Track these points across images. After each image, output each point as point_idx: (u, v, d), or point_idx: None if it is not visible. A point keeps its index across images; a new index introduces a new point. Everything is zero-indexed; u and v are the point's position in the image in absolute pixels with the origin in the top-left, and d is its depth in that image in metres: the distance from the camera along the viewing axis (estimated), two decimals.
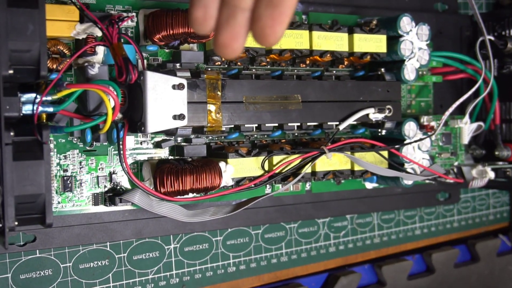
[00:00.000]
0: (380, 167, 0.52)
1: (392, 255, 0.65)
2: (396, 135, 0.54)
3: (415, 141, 0.53)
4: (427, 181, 0.56)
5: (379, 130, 0.54)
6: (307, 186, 0.54)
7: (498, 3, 0.70)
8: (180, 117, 0.42)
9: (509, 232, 0.74)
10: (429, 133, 0.55)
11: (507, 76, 0.62)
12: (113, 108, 0.39)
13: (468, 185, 0.61)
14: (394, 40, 0.53)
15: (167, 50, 0.47)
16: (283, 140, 0.52)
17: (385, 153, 0.53)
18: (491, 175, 0.59)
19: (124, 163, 0.41)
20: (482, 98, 0.60)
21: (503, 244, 0.73)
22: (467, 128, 0.60)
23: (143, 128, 0.40)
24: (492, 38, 0.60)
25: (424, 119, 0.57)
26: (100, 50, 0.43)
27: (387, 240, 0.64)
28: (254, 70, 0.50)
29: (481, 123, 0.61)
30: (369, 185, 0.57)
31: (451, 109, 0.56)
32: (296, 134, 0.52)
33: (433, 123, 0.56)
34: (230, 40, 0.29)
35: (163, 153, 0.47)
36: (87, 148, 0.44)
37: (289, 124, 0.49)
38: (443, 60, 0.59)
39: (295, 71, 0.52)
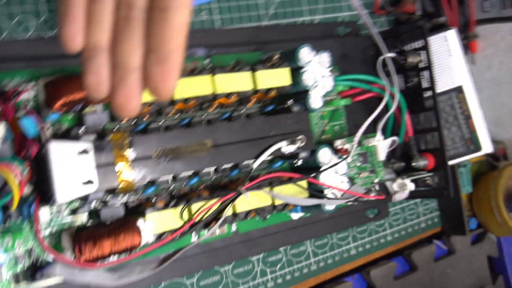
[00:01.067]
0: (299, 198, 0.55)
1: (332, 279, 0.68)
2: (312, 163, 0.58)
3: (331, 167, 0.57)
4: (349, 203, 0.60)
5: (295, 161, 0.57)
6: (233, 227, 0.56)
7: (397, 20, 0.75)
8: (89, 182, 0.44)
9: (442, 236, 0.79)
10: (344, 156, 0.59)
11: (412, 89, 0.67)
12: (19, 185, 0.41)
13: (391, 199, 0.66)
14: (297, 72, 0.57)
15: (70, 117, 0.49)
16: (202, 186, 0.54)
17: (304, 183, 0.57)
18: (411, 186, 0.64)
19: (38, 238, 0.42)
20: (392, 114, 0.64)
21: (438, 249, 0.78)
22: (382, 145, 0.64)
23: (52, 200, 0.42)
24: (393, 55, 0.65)
25: (338, 143, 0.61)
26: (1, 126, 0.44)
27: (323, 265, 0.67)
28: (163, 121, 0.52)
29: (395, 138, 0.65)
30: (295, 216, 0.60)
31: (362, 129, 0.60)
32: (213, 178, 0.55)
33: (347, 146, 0.60)
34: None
35: (81, 219, 0.48)
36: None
37: (204, 170, 0.51)
38: (349, 83, 0.63)
39: (204, 116, 0.54)
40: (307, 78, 0.56)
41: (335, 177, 0.58)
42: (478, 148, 0.70)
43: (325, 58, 0.58)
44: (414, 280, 0.73)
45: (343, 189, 0.58)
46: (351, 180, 0.62)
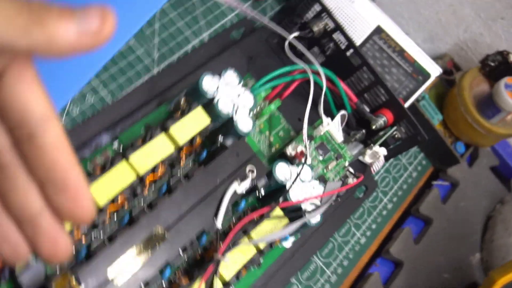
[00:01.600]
0: (281, 229, 0.50)
1: (357, 278, 0.64)
2: (276, 185, 0.53)
3: (294, 181, 0.52)
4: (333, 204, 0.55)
5: (257, 193, 0.53)
6: None
7: None
8: None
9: (439, 174, 0.75)
10: (302, 161, 0.55)
11: (334, 56, 0.63)
12: None
13: (370, 171, 0.62)
14: (210, 105, 0.52)
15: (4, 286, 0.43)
16: (178, 274, 0.49)
17: (278, 210, 0.52)
18: (382, 151, 0.60)
19: None
20: (326, 90, 0.60)
21: (442, 189, 0.74)
22: (333, 126, 0.60)
23: None
24: (296, 34, 0.61)
25: (290, 149, 0.56)
26: None
27: (342, 270, 0.63)
28: (101, 233, 0.47)
29: (342, 112, 0.61)
30: (287, 244, 0.56)
31: (305, 123, 0.56)
32: (186, 258, 0.50)
33: (300, 148, 0.56)
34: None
35: None
36: None
37: (170, 259, 0.46)
38: (268, 85, 0.59)
39: (141, 202, 0.49)
40: (224, 107, 0.52)
41: (305, 186, 0.54)
42: (426, 75, 0.66)
43: (230, 76, 0.54)
44: (434, 232, 0.69)
45: (319, 195, 0.53)
46: (323, 179, 0.57)
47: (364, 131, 0.64)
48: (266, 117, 0.60)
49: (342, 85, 0.62)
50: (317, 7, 0.62)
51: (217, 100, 0.52)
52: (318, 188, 0.55)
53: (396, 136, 0.62)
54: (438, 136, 0.71)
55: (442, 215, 0.70)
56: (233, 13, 0.68)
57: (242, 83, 0.54)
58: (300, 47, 0.60)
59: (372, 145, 0.60)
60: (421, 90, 0.67)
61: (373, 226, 0.68)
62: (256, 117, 0.60)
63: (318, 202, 0.54)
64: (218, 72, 0.53)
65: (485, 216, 0.74)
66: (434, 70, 0.66)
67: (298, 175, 0.53)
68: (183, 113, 0.51)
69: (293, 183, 0.53)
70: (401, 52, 0.66)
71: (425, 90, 0.67)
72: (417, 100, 0.71)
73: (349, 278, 0.64)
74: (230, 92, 0.53)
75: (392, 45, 0.66)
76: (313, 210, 0.53)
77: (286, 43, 0.60)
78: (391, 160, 0.72)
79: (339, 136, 0.60)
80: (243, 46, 0.63)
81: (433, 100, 0.74)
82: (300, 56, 0.61)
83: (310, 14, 0.63)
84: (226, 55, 0.61)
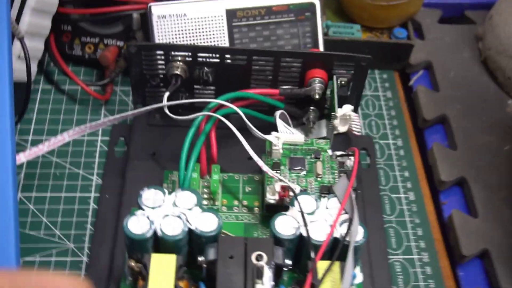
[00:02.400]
0: (343, 278, 0.40)
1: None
2: (294, 243, 0.42)
3: (305, 223, 0.41)
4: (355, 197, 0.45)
5: (285, 269, 0.42)
6: None
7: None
8: None
9: (405, 71, 0.65)
10: (291, 195, 0.44)
11: (220, 76, 0.53)
12: None
13: (355, 135, 0.52)
14: (159, 242, 0.41)
15: None
16: None
17: (322, 263, 0.41)
18: (348, 108, 0.50)
19: None
20: (244, 111, 0.50)
21: (423, 81, 0.64)
22: (283, 132, 0.50)
23: None
24: (166, 94, 0.50)
25: (269, 197, 0.46)
26: None
27: (422, 237, 0.52)
28: None
29: (277, 112, 0.51)
30: (359, 278, 0.45)
31: (258, 159, 0.46)
32: None
33: (277, 186, 0.45)
34: None
35: None
36: None
37: None
38: (191, 163, 0.48)
39: None
40: (171, 230, 0.41)
41: (318, 214, 0.43)
42: (310, 6, 0.57)
43: (149, 195, 0.43)
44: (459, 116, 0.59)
45: (339, 209, 0.43)
46: (325, 189, 0.47)
47: (312, 107, 0.54)
48: (219, 190, 0.50)
49: (252, 92, 0.51)
50: (159, 56, 0.51)
51: (160, 231, 0.41)
52: (332, 203, 0.44)
53: (343, 82, 0.52)
54: (373, 43, 0.62)
55: (448, 95, 0.61)
56: (102, 137, 0.57)
57: (166, 191, 0.43)
58: (180, 101, 0.50)
59: (333, 113, 0.50)
60: (319, 24, 0.57)
61: (406, 174, 0.57)
62: (213, 200, 0.49)
63: (345, 216, 0.43)
64: (133, 203, 0.42)
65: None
66: None
67: (302, 212, 0.42)
68: (145, 276, 0.40)
69: (306, 225, 0.42)
70: (268, 10, 0.56)
71: (323, 19, 0.58)
72: (326, 34, 0.61)
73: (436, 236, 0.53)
74: (163, 212, 0.42)
75: (254, 13, 0.56)
76: (349, 229, 0.42)
77: (166, 111, 0.49)
78: (361, 103, 0.62)
79: (298, 137, 0.50)
80: (135, 154, 0.53)
81: (336, 19, 0.65)
82: (192, 108, 0.51)
83: (159, 65, 0.52)
84: (128, 177, 0.51)
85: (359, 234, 0.42)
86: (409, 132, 0.61)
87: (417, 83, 0.64)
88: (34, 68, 0.55)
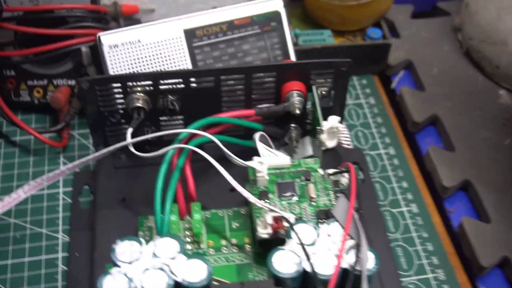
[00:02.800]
0: None
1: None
2: (297, 281, 0.37)
3: (307, 256, 0.36)
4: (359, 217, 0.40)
5: None
6: None
7: None
8: None
9: (385, 74, 0.61)
10: (286, 226, 0.39)
11: (187, 102, 0.48)
12: None
13: (345, 149, 0.47)
14: None
15: None
16: None
17: None
18: (334, 120, 0.45)
19: None
20: (219, 138, 0.45)
21: (405, 81, 0.60)
22: (266, 156, 0.45)
23: None
24: (130, 131, 0.45)
25: (261, 231, 0.41)
26: None
27: (432, 250, 0.48)
28: None
29: (256, 135, 0.46)
30: None
31: (243, 191, 0.40)
32: None
33: (268, 218, 0.40)
34: None
35: None
36: None
37: None
38: (168, 204, 0.42)
39: None
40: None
41: (321, 243, 0.38)
42: (275, 15, 0.53)
43: (124, 249, 0.37)
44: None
45: (343, 235, 0.38)
46: (323, 214, 0.42)
47: (293, 125, 0.49)
48: (203, 231, 0.44)
49: (226, 115, 0.47)
50: (116, 89, 0.46)
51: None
52: (333, 230, 0.39)
53: (324, 92, 0.47)
54: (347, 47, 0.58)
55: (435, 94, 0.57)
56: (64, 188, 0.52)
57: (143, 241, 0.38)
58: (146, 136, 0.45)
59: (318, 127, 0.45)
60: (288, 33, 0.53)
61: (404, 184, 0.53)
62: (197, 243, 0.44)
63: (352, 242, 0.38)
64: (107, 259, 0.37)
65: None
66: (275, 4, 0.53)
67: (302, 244, 0.37)
68: None
69: (308, 259, 0.37)
70: (230, 25, 0.52)
71: (290, 28, 0.53)
72: (295, 43, 0.57)
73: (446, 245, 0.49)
74: (142, 266, 0.37)
75: (215, 30, 0.51)
76: (358, 257, 0.37)
77: (132, 149, 0.44)
78: (350, 112, 0.58)
79: (283, 159, 0.45)
80: (102, 202, 0.47)
81: (304, 26, 0.61)
82: (161, 142, 0.46)
83: (117, 100, 0.47)
84: (98, 230, 0.45)
85: (369, 260, 0.37)
86: (400, 139, 0.57)
87: (400, 84, 0.60)
88: None
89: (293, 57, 0.53)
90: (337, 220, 0.39)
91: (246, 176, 0.46)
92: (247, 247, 0.44)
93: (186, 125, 0.49)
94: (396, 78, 0.61)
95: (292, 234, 0.38)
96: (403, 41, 0.62)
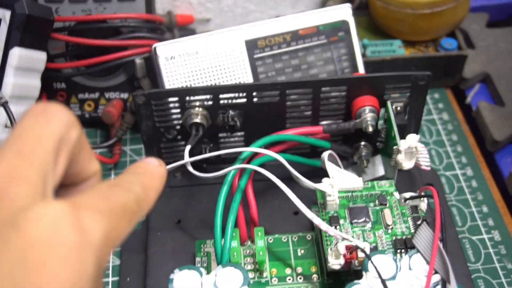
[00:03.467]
0: None
1: None
2: None
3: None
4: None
5: None
6: None
7: None
8: None
9: (459, 88, 0.57)
10: (360, 255, 0.35)
11: (249, 118, 0.45)
12: None
13: (424, 168, 0.43)
14: None
15: None
16: None
17: None
18: (413, 139, 0.41)
19: None
20: (285, 157, 0.42)
21: (481, 95, 0.56)
22: (336, 178, 0.41)
23: None
24: (188, 147, 0.42)
25: (332, 261, 0.37)
26: None
27: None
28: None
29: (324, 154, 0.42)
30: None
31: (310, 214, 0.37)
32: None
33: (341, 246, 0.37)
34: None
35: None
36: None
37: None
38: (229, 230, 0.39)
39: None
40: None
41: (403, 278, 0.34)
42: (343, 25, 0.49)
43: (185, 278, 0.35)
44: None
45: (429, 269, 0.34)
46: (401, 243, 0.38)
47: (363, 143, 0.46)
48: (265, 258, 0.41)
49: (291, 133, 0.44)
50: (172, 104, 0.44)
51: None
52: (416, 262, 0.35)
53: (399, 108, 0.44)
54: (419, 59, 0.54)
55: None
56: None
57: (203, 271, 0.35)
58: (205, 155, 0.42)
59: (395, 147, 0.42)
60: (356, 44, 0.50)
61: (484, 209, 0.49)
62: (260, 272, 0.41)
63: (437, 277, 0.35)
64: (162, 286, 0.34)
65: None
66: (343, 12, 0.49)
67: (381, 279, 0.34)
68: None
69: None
70: (295, 35, 0.49)
71: (359, 38, 0.50)
72: (364, 54, 0.54)
73: None
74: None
75: (278, 41, 0.48)
76: None
77: (190, 168, 0.41)
78: (425, 130, 0.54)
79: (355, 181, 0.41)
80: (156, 224, 0.45)
81: (372, 36, 0.57)
82: (219, 161, 0.43)
83: (174, 115, 0.44)
84: (151, 254, 0.43)
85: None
86: (477, 158, 0.53)
87: (476, 99, 0.56)
88: None
89: (362, 70, 0.49)
90: (419, 252, 0.36)
91: (311, 199, 0.43)
92: (314, 277, 0.41)
93: (246, 142, 0.46)
94: (472, 92, 0.57)
95: (370, 266, 0.35)
96: (479, 52, 0.58)
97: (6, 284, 0.18)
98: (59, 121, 0.23)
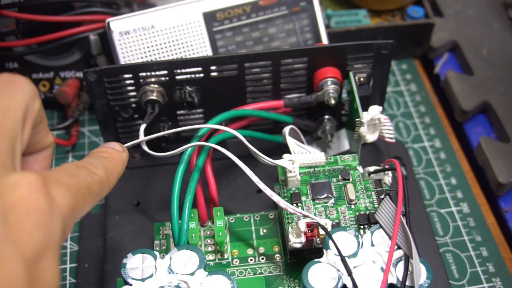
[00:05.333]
0: None
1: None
2: None
3: (348, 271, 0.32)
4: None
5: None
6: None
7: None
8: None
9: (427, 57, 0.56)
10: (321, 233, 0.34)
11: (206, 93, 0.43)
12: None
13: (388, 140, 0.42)
14: None
15: None
16: None
17: None
18: (375, 110, 0.40)
19: None
20: (244, 133, 0.40)
21: (450, 64, 0.55)
22: (297, 152, 0.40)
23: None
24: (143, 127, 0.41)
25: (293, 240, 0.36)
26: None
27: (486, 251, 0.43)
28: None
29: (285, 129, 0.41)
30: None
31: (269, 192, 0.36)
32: None
33: (301, 224, 0.36)
34: None
35: None
36: None
37: None
38: (186, 213, 0.38)
39: None
40: None
41: (364, 254, 0.33)
42: None
43: (135, 263, 0.33)
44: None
45: (390, 243, 0.33)
46: (364, 218, 0.37)
47: (326, 117, 0.45)
48: (225, 239, 0.40)
49: (251, 108, 0.42)
50: (127, 81, 0.42)
51: None
52: (378, 238, 0.34)
53: (362, 79, 0.42)
54: (385, 28, 0.53)
55: (485, 78, 0.51)
56: None
57: (157, 254, 0.34)
58: (162, 133, 0.41)
59: (357, 119, 0.40)
60: (319, 14, 0.48)
61: (453, 181, 0.48)
62: (220, 253, 0.39)
63: (399, 253, 0.34)
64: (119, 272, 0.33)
65: None
66: None
67: (341, 256, 0.33)
68: None
69: (350, 274, 0.32)
70: (255, 6, 0.47)
71: (322, 9, 0.48)
72: (327, 26, 0.52)
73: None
74: (157, 283, 0.32)
75: (237, 13, 0.47)
76: (407, 270, 0.32)
77: (145, 148, 0.40)
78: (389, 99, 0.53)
79: (317, 156, 0.40)
80: (114, 207, 0.43)
81: (336, 6, 0.56)
82: (178, 139, 0.42)
83: (129, 93, 0.43)
84: (110, 238, 0.41)
85: (422, 274, 0.33)
86: (446, 129, 0.52)
87: (444, 68, 0.55)
88: None
89: (325, 41, 0.48)
90: (381, 227, 0.35)
91: (274, 176, 0.41)
92: (277, 256, 0.40)
93: (206, 119, 0.45)
94: (440, 62, 0.55)
95: (330, 244, 0.34)
96: (448, 20, 0.57)
97: None
98: (24, 91, 0.25)
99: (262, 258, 0.40)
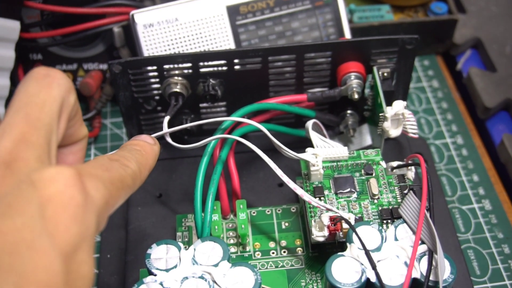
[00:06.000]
0: None
1: None
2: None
3: (372, 265, 0.32)
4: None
5: None
6: None
7: None
8: None
9: (450, 54, 0.56)
10: (344, 228, 0.34)
11: (230, 86, 0.44)
12: None
13: (411, 135, 0.42)
14: None
15: None
16: None
17: None
18: (399, 106, 0.40)
19: None
20: (268, 127, 0.40)
21: (473, 61, 0.55)
22: (321, 147, 0.40)
23: None
24: (167, 118, 0.41)
25: (316, 234, 0.36)
26: None
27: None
28: None
29: (308, 123, 0.41)
30: None
31: (295, 186, 0.36)
32: None
33: (324, 218, 0.36)
34: None
35: None
36: None
37: None
38: (209, 206, 0.38)
39: None
40: None
41: (388, 249, 0.33)
42: None
43: (159, 254, 0.33)
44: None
45: (414, 240, 0.33)
46: (387, 213, 0.37)
47: (349, 111, 0.45)
48: (248, 232, 0.40)
49: (274, 101, 0.42)
50: (151, 73, 0.42)
51: None
52: (402, 233, 0.34)
53: (386, 74, 0.42)
54: (408, 24, 0.53)
55: (509, 75, 0.51)
56: None
57: (181, 245, 0.34)
58: (185, 125, 0.41)
59: (381, 114, 0.40)
60: (342, 9, 0.48)
61: (475, 178, 0.48)
62: (242, 246, 0.39)
63: (423, 248, 0.34)
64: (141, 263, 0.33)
65: None
66: None
67: (365, 250, 0.33)
68: None
69: (374, 267, 0.32)
70: (278, 0, 0.47)
71: (345, 3, 0.48)
72: (350, 20, 0.52)
73: None
74: (181, 274, 0.33)
75: (260, 7, 0.47)
76: (431, 265, 0.32)
77: (169, 140, 0.40)
78: (412, 96, 0.53)
79: (340, 150, 0.40)
80: (136, 198, 0.44)
81: (359, 1, 0.56)
82: (201, 132, 0.42)
83: (153, 85, 0.43)
84: (132, 229, 0.42)
85: (446, 269, 0.33)
86: (468, 126, 0.51)
87: (467, 65, 0.54)
88: (1, 110, 0.46)
89: (348, 36, 0.48)
90: (405, 222, 0.35)
91: (296, 170, 0.41)
92: (299, 250, 0.40)
93: (229, 112, 0.45)
94: (463, 58, 0.55)
95: (354, 237, 0.34)
96: (471, 17, 0.57)
97: (26, 232, 0.21)
98: (60, 85, 0.25)
99: (284, 251, 0.40)
